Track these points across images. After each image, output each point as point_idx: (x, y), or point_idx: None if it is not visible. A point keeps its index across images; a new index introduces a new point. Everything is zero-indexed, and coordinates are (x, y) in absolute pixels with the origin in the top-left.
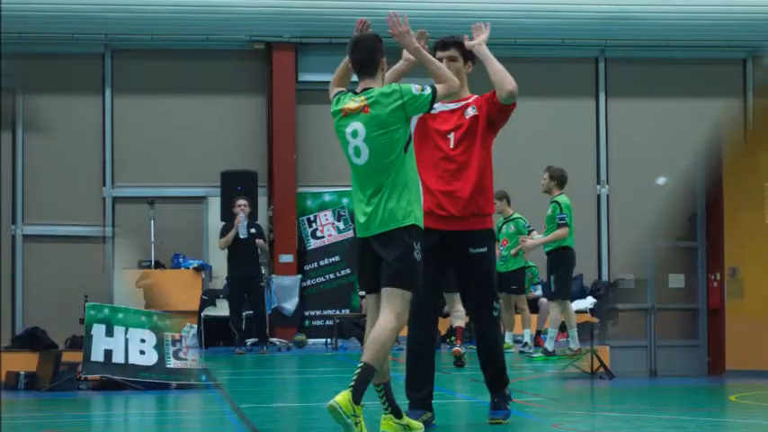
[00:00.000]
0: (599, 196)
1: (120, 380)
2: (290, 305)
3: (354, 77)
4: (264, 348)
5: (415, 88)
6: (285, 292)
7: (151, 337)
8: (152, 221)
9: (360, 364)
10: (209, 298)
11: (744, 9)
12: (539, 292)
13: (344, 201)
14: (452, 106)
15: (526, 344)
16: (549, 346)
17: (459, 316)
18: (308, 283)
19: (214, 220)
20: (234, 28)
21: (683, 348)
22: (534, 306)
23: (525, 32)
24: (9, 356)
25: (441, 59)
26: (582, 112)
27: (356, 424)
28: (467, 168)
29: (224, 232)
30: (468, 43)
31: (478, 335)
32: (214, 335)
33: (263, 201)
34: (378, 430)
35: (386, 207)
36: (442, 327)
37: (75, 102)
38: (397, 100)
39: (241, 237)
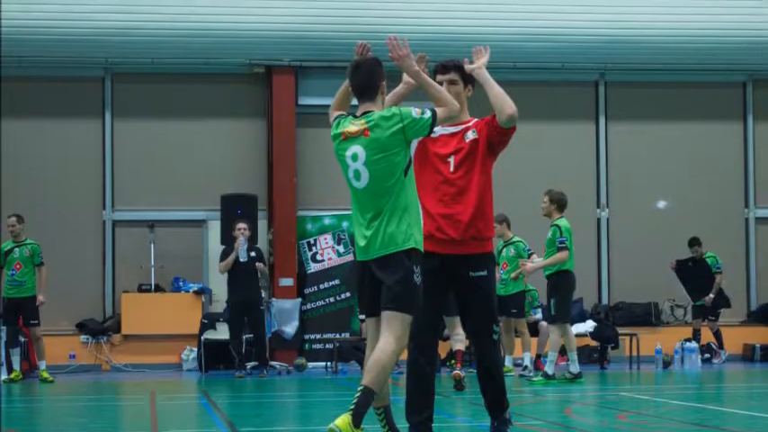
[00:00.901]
0: (599, 220)
1: None
2: (290, 329)
3: (354, 101)
4: (264, 372)
5: (414, 112)
6: (285, 315)
7: None
8: (152, 245)
9: (360, 388)
10: (209, 321)
11: (743, 33)
12: (539, 315)
13: (344, 224)
14: (452, 130)
15: (526, 367)
16: (549, 369)
17: (459, 339)
18: (308, 306)
19: (214, 244)
20: (234, 52)
21: None
22: (534, 329)
23: (525, 56)
24: None
25: (441, 83)
26: (582, 136)
27: None
28: (467, 192)
29: (224, 256)
30: (468, 67)
31: (478, 358)
32: (214, 358)
33: (263, 224)
34: None
35: (386, 231)
36: (443, 350)
37: (75, 125)
38: (396, 123)
39: (241, 260)
